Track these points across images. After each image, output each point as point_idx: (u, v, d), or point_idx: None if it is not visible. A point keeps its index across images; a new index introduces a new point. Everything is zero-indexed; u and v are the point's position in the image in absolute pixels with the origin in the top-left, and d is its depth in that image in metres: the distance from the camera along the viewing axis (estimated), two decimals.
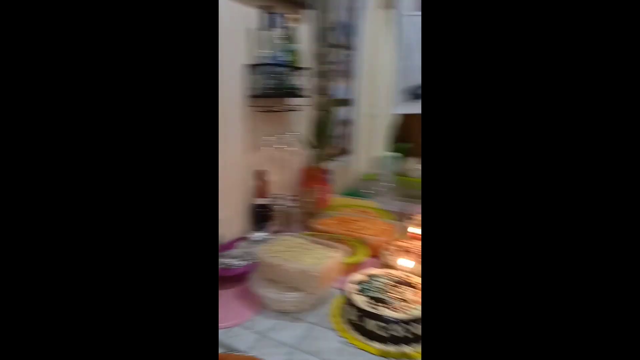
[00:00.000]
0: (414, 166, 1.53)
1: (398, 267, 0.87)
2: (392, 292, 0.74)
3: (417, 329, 0.66)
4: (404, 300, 0.71)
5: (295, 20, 1.12)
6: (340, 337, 0.69)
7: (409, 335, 0.66)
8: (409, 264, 0.82)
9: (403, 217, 1.31)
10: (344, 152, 1.65)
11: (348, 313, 0.72)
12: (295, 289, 0.76)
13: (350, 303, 0.72)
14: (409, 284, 0.76)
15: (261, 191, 1.10)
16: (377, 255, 1.02)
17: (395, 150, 1.86)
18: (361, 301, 0.70)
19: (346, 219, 1.19)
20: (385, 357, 0.64)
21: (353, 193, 1.54)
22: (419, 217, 1.18)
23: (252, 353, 0.64)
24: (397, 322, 0.66)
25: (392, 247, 0.97)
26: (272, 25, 1.01)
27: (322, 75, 1.37)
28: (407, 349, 0.65)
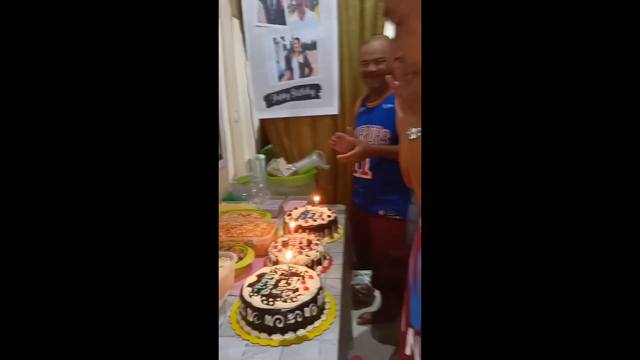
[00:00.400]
0: (282, 165, 1.64)
1: (284, 262, 0.96)
2: (282, 285, 0.81)
3: (308, 312, 0.76)
4: (295, 290, 0.79)
5: None
6: (244, 340, 0.73)
7: (302, 320, 0.75)
8: (288, 255, 0.92)
9: (280, 213, 1.40)
10: None
11: (247, 315, 0.76)
12: None
13: (247, 306, 0.76)
14: (296, 274, 0.86)
15: None
16: (264, 254, 1.08)
17: (262, 153, 1.94)
18: (256, 301, 0.75)
19: (229, 225, 1.20)
20: (285, 345, 0.72)
21: (230, 198, 1.55)
22: (293, 212, 1.29)
23: None
24: (292, 310, 0.74)
25: (276, 244, 1.05)
26: None
27: None
28: (302, 332, 0.75)
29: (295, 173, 1.62)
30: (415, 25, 0.33)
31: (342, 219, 1.36)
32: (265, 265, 1.04)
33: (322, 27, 1.66)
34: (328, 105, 1.74)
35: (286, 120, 1.81)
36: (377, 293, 1.85)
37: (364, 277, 1.88)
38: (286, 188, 1.62)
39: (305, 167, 1.63)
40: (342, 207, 1.51)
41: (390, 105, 1.27)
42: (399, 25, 0.37)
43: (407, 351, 0.43)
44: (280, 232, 1.22)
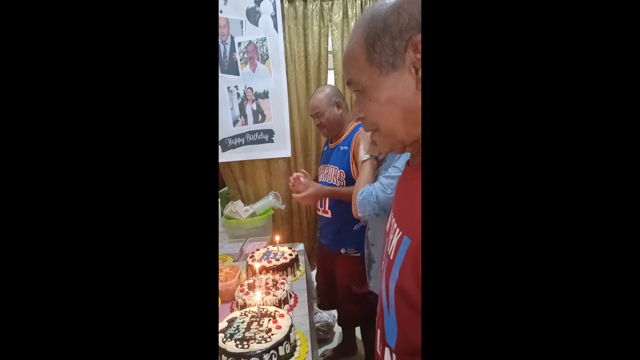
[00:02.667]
0: (239, 208, 1.67)
1: (252, 304, 0.98)
2: (254, 327, 0.84)
3: (282, 351, 0.80)
4: (267, 330, 0.82)
5: None
6: None
7: (277, 359, 0.78)
8: (258, 297, 0.95)
9: (241, 256, 1.42)
10: None
11: None
12: None
13: (221, 352, 0.77)
14: (266, 314, 0.89)
15: None
16: (230, 299, 1.09)
17: (219, 196, 1.95)
18: (231, 346, 0.77)
19: None
20: None
21: None
22: (255, 253, 1.32)
23: None
24: (267, 350, 0.77)
25: (242, 287, 1.07)
26: None
27: None
28: None
29: (253, 214, 1.66)
30: (374, 95, 0.43)
31: (301, 257, 1.41)
32: (232, 310, 1.05)
33: (272, 79, 1.81)
34: (281, 149, 1.84)
35: (241, 163, 1.87)
36: (336, 329, 1.89)
37: (323, 314, 1.91)
38: (244, 230, 1.64)
39: (263, 208, 1.68)
40: (300, 245, 1.57)
41: (345, 147, 1.39)
42: (360, 93, 0.46)
43: None
44: (244, 275, 1.23)
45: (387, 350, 0.47)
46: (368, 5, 1.76)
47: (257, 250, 1.35)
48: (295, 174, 1.38)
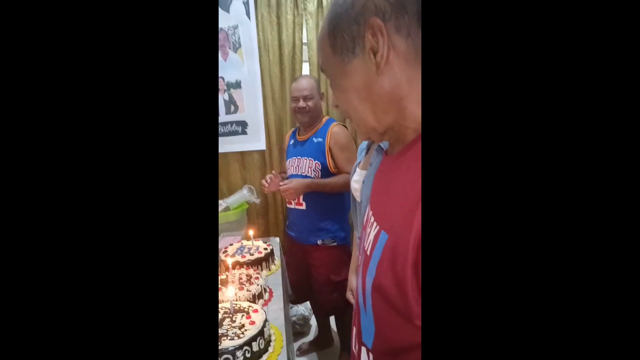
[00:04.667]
0: None
1: (224, 300, 0.95)
2: (226, 324, 0.81)
3: (255, 346, 0.77)
4: (240, 326, 0.80)
5: None
6: None
7: (250, 356, 0.76)
8: (230, 293, 0.92)
9: (218, 250, 1.37)
10: None
11: None
12: None
13: None
14: (240, 310, 0.86)
15: None
16: None
17: None
18: None
19: None
20: None
21: None
22: (229, 248, 1.28)
23: None
24: (240, 347, 0.74)
25: None
26: None
27: None
28: None
29: (227, 209, 1.61)
30: (339, 82, 0.42)
31: (277, 251, 1.39)
32: None
33: (245, 68, 1.75)
34: (255, 141, 1.80)
35: None
36: (312, 322, 1.88)
37: (300, 307, 1.90)
38: (218, 225, 1.59)
39: (237, 202, 1.64)
40: (276, 239, 1.54)
41: (320, 139, 1.37)
42: (331, 82, 0.45)
43: None
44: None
45: (363, 349, 0.45)
46: None
47: (231, 245, 1.31)
48: (268, 176, 1.36)
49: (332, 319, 1.68)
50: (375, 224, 0.43)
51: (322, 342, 1.71)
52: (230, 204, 1.62)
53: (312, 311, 1.75)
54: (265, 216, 1.89)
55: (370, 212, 0.47)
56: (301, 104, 1.37)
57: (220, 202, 1.61)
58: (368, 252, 0.43)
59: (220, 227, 1.59)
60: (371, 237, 0.43)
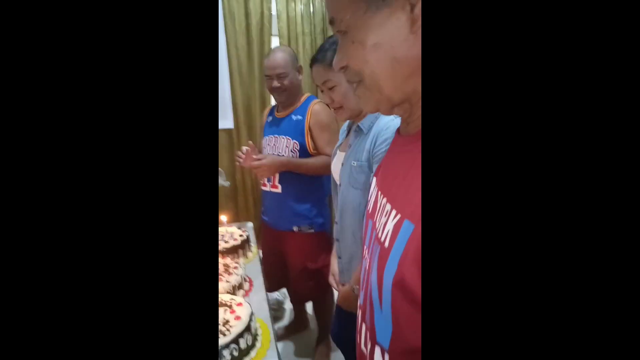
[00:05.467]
0: None
1: None
2: None
3: (243, 343, 0.71)
4: (225, 322, 0.72)
5: None
6: None
7: (238, 354, 0.69)
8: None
9: None
10: None
11: None
12: None
13: None
14: (222, 304, 0.78)
15: None
16: None
17: None
18: None
19: None
20: None
21: None
22: None
23: None
24: (227, 345, 0.67)
25: None
26: None
27: None
28: None
29: None
30: (359, 36, 0.36)
31: (252, 237, 1.31)
32: None
33: None
34: (222, 119, 1.66)
35: None
36: (286, 306, 1.85)
37: (273, 292, 1.85)
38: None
39: None
40: (249, 224, 1.46)
41: (299, 117, 1.28)
42: (343, 35, 0.38)
43: None
44: None
45: (377, 349, 0.41)
46: None
47: None
48: (243, 148, 1.23)
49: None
50: (394, 211, 0.38)
51: (297, 326, 1.69)
52: None
53: (286, 295, 1.71)
54: (235, 200, 1.78)
55: (384, 199, 0.42)
56: (275, 83, 1.24)
57: None
58: (386, 244, 0.37)
59: None
60: (389, 227, 0.38)
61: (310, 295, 1.48)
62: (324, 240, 1.34)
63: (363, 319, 0.44)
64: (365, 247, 0.48)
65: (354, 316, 0.51)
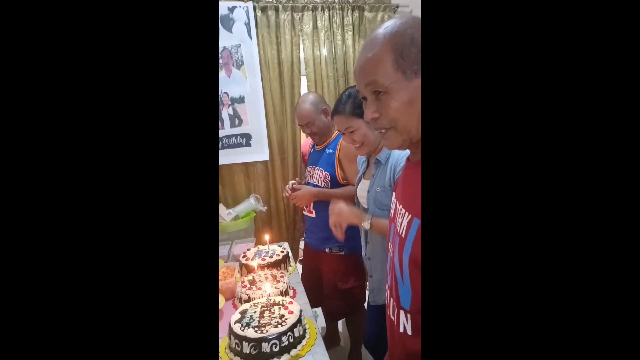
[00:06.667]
0: (222, 211, 1.69)
1: (257, 297, 1.03)
2: (267, 315, 0.90)
3: (297, 332, 0.87)
4: (281, 316, 0.89)
5: None
6: None
7: (293, 341, 0.85)
8: (268, 288, 1.00)
9: (229, 258, 1.45)
10: None
11: (243, 349, 0.82)
12: None
13: (241, 339, 0.82)
14: (276, 304, 0.95)
15: None
16: (230, 297, 1.12)
17: None
18: (251, 333, 0.82)
19: None
20: None
21: None
22: (247, 252, 1.36)
23: None
24: (284, 332, 0.83)
25: (244, 283, 1.11)
26: None
27: None
28: (294, 352, 0.84)
29: (236, 217, 1.68)
30: (398, 96, 0.49)
31: (290, 254, 1.48)
32: (234, 307, 1.09)
33: (248, 85, 1.86)
34: (259, 152, 1.90)
35: (219, 168, 1.88)
36: (318, 324, 1.96)
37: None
38: (226, 234, 1.66)
39: (245, 211, 1.72)
40: (285, 244, 1.63)
41: (331, 151, 1.47)
42: (379, 94, 0.51)
43: (401, 329, 0.58)
44: (237, 275, 1.27)
45: (402, 312, 0.56)
46: (335, 18, 1.89)
47: (248, 250, 1.39)
48: (290, 182, 1.46)
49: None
50: (407, 213, 0.55)
51: (330, 342, 1.79)
52: (239, 212, 1.70)
53: (317, 314, 1.83)
54: (270, 224, 1.97)
55: (400, 206, 0.59)
56: (306, 130, 1.48)
57: (229, 210, 1.69)
58: (403, 235, 0.55)
59: (228, 236, 1.66)
60: (404, 223, 0.55)
61: (340, 314, 1.60)
62: (354, 263, 1.49)
63: (391, 294, 0.61)
64: (390, 242, 0.65)
65: (382, 328, 0.66)
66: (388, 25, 0.52)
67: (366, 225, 0.98)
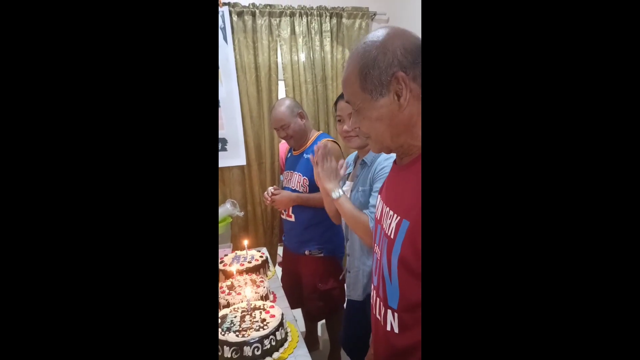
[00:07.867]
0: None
1: (236, 302, 1.02)
2: (248, 320, 0.89)
3: (279, 335, 0.86)
4: (262, 320, 0.88)
5: None
6: None
7: (275, 344, 0.85)
8: (249, 293, 0.99)
9: None
10: None
11: (224, 354, 0.80)
12: None
13: (223, 344, 0.81)
14: (257, 308, 0.94)
15: None
16: None
17: None
18: (232, 337, 0.81)
19: None
20: None
21: None
22: (225, 258, 1.34)
23: None
24: (266, 336, 0.83)
25: (222, 289, 1.09)
26: None
27: None
28: (276, 355, 0.84)
29: None
30: (367, 114, 0.54)
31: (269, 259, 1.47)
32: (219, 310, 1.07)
33: (224, 89, 1.84)
34: (235, 157, 1.88)
35: None
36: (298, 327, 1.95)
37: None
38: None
39: (221, 216, 1.69)
40: (263, 248, 1.62)
41: (308, 156, 1.46)
42: (356, 111, 0.56)
43: (388, 327, 0.59)
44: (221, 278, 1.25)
45: (389, 312, 0.58)
46: (313, 24, 1.92)
47: (226, 255, 1.37)
48: (268, 189, 1.46)
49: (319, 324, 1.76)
50: (395, 215, 0.57)
51: (308, 346, 1.78)
52: None
53: (296, 317, 1.82)
54: (246, 229, 1.95)
55: (387, 208, 0.62)
56: (282, 133, 1.48)
57: None
58: (392, 236, 0.57)
59: None
60: (393, 225, 0.57)
61: (320, 315, 1.60)
62: (333, 264, 1.51)
63: (377, 294, 0.63)
64: (375, 244, 0.67)
65: (359, 328, 0.67)
66: (359, 45, 0.55)
67: (335, 194, 1.00)
